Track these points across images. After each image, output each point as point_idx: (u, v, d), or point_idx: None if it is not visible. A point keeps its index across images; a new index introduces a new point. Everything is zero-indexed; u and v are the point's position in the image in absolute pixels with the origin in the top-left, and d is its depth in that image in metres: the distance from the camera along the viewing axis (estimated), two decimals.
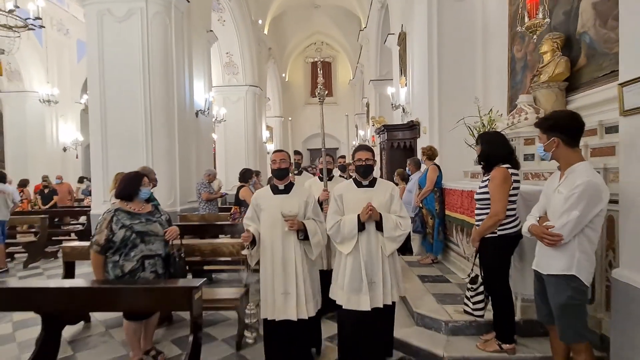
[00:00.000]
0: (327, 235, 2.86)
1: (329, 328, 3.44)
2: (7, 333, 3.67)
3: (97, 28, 6.55)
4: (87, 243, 3.80)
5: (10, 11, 4.48)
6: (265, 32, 15.07)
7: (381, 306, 2.65)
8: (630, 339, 2.09)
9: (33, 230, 7.56)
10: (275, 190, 2.88)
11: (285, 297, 2.71)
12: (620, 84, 2.10)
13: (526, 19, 3.08)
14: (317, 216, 2.87)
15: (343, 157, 5.52)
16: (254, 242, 2.72)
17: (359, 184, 2.81)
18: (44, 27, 5.05)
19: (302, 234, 2.73)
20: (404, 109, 8.09)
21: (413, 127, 7.23)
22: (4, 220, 6.20)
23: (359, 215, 2.63)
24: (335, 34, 19.99)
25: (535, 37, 3.33)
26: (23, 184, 9.48)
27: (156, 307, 2.81)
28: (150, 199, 3.30)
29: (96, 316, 3.90)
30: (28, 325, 3.78)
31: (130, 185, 2.86)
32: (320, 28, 19.92)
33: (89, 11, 6.59)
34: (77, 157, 14.43)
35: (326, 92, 3.71)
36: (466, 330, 3.11)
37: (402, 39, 8.11)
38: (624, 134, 2.13)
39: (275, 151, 2.99)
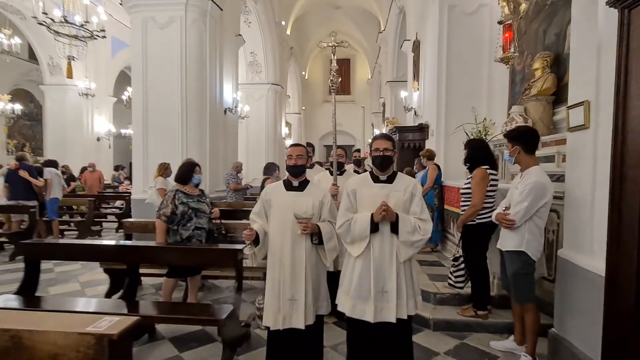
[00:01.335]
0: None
1: (333, 334, 3.31)
2: (77, 290, 4.54)
3: (141, 33, 7.36)
4: (142, 219, 4.64)
5: (82, 25, 5.31)
6: (288, 32, 15.78)
7: (394, 320, 2.29)
8: (568, 304, 2.74)
9: (77, 212, 8.53)
10: (289, 187, 2.63)
11: (292, 304, 2.46)
12: (567, 107, 2.73)
13: (501, 52, 3.69)
14: (333, 218, 2.58)
15: (358, 150, 6.05)
16: (257, 240, 2.51)
17: (375, 179, 2.46)
18: (105, 37, 5.84)
19: (317, 238, 2.49)
20: (415, 112, 8.70)
21: (423, 129, 7.84)
22: (58, 198, 7.10)
23: (372, 214, 2.30)
24: (355, 34, 20.57)
25: (508, 67, 3.91)
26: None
27: (211, 263, 3.56)
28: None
29: (146, 281, 4.68)
30: (92, 285, 4.64)
31: (187, 172, 3.63)
32: (340, 28, 20.51)
33: (134, 18, 7.41)
34: (109, 147, 15.51)
35: (340, 79, 3.58)
36: (450, 302, 3.79)
37: (417, 46, 8.70)
38: (569, 146, 2.77)
39: (292, 145, 2.76)
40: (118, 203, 10.07)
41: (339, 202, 2.59)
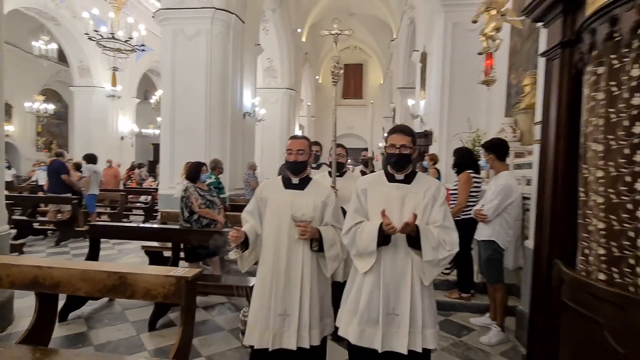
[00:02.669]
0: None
1: (336, 354, 2.96)
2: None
3: (171, 43, 8.13)
4: (174, 210, 5.35)
5: (126, 41, 6.08)
6: (304, 39, 16.50)
7: (404, 351, 1.91)
8: (529, 284, 3.33)
9: (106, 205, 9.36)
10: (287, 184, 2.33)
11: (284, 320, 2.13)
12: (534, 123, 3.34)
13: (483, 76, 4.29)
14: (337, 222, 2.29)
15: (365, 149, 6.26)
16: (247, 243, 2.20)
17: (390, 177, 2.11)
18: (144, 50, 6.60)
19: (317, 244, 2.19)
20: (421, 119, 9.30)
21: (427, 136, 8.44)
22: (96, 194, 7.91)
23: (382, 223, 1.92)
24: (368, 40, 21.23)
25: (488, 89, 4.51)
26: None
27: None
28: (215, 183, 4.87)
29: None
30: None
31: (195, 171, 4.34)
32: (355, 34, 21.20)
33: (165, 30, 8.18)
34: (132, 145, 16.42)
35: (342, 70, 3.29)
36: (440, 287, 4.39)
37: (424, 57, 9.30)
38: (534, 154, 3.37)
39: (292, 138, 2.40)
40: (142, 198, 10.90)
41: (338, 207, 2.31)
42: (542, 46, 2.61)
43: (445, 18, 7.47)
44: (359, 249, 2.02)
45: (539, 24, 2.19)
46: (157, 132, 19.14)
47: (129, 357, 1.98)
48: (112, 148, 15.10)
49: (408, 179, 2.09)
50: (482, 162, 3.52)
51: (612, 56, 1.52)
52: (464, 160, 4.01)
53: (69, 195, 7.34)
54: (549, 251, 2.00)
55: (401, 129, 2.11)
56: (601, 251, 1.58)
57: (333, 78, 3.17)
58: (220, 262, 4.90)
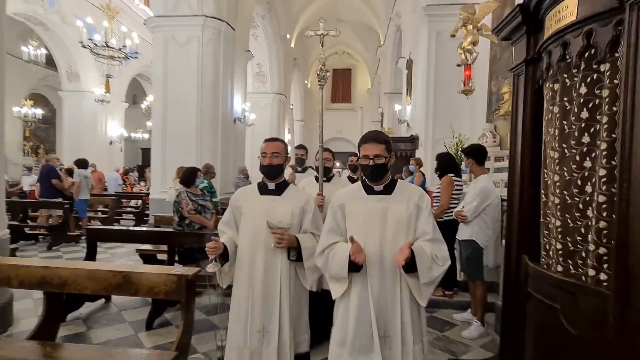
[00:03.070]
0: None
1: None
2: None
3: (162, 50, 8.26)
4: (167, 214, 5.49)
5: (120, 49, 6.22)
6: (292, 45, 16.73)
7: None
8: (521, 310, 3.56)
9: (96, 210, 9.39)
10: (263, 190, 2.19)
11: (263, 337, 2.02)
12: (509, 130, 3.58)
13: (462, 86, 4.56)
14: (317, 230, 2.16)
15: (355, 154, 6.20)
16: (226, 255, 2.08)
17: (369, 189, 1.97)
18: (137, 57, 6.73)
19: (295, 254, 2.06)
20: (408, 124, 9.57)
21: (413, 140, 8.71)
22: (87, 199, 7.96)
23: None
24: (356, 45, 21.58)
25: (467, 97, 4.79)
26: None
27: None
28: (207, 188, 5.01)
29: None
30: None
31: (190, 176, 4.48)
32: (343, 39, 21.53)
33: (157, 37, 8.30)
34: (121, 150, 16.39)
35: (328, 73, 3.14)
36: None
37: (410, 64, 9.59)
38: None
39: (267, 140, 2.24)
40: (133, 202, 10.96)
41: (325, 214, 2.14)
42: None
43: (429, 27, 7.76)
44: (331, 274, 1.89)
45: (507, 43, 2.42)
46: (146, 136, 19.14)
47: (133, 350, 2.13)
48: (102, 152, 15.05)
49: (388, 190, 1.95)
50: (462, 166, 3.75)
51: (565, 75, 1.75)
52: (446, 165, 4.24)
53: (60, 200, 7.39)
54: (517, 248, 2.21)
55: (373, 137, 1.93)
56: (559, 246, 1.79)
57: (319, 81, 3.07)
58: None
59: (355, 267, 1.80)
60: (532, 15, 1.99)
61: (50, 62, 15.36)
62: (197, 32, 8.19)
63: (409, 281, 1.83)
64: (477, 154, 3.64)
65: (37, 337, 2.28)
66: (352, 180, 4.90)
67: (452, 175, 4.17)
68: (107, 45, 6.46)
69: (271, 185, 2.18)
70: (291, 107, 19.09)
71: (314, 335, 2.25)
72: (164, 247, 4.60)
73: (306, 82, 22.57)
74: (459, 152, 5.85)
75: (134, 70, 16.13)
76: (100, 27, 7.06)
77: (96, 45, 6.53)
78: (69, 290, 2.28)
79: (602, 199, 1.54)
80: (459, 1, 7.18)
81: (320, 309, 2.30)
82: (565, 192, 1.74)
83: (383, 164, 1.89)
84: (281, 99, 15.21)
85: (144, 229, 4.80)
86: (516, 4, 2.09)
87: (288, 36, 15.74)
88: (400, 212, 1.88)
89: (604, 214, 1.54)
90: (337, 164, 15.24)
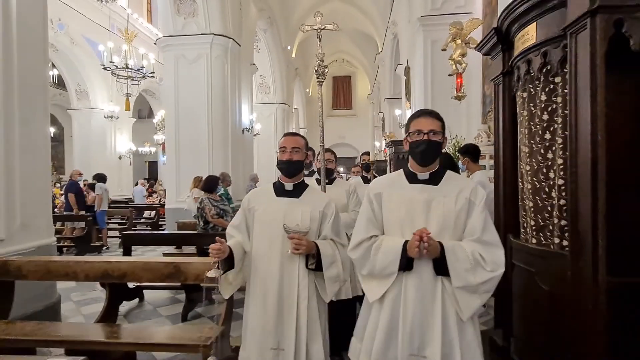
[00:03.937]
0: (350, 264, 1.93)
1: None
2: None
3: (173, 67, 8.76)
4: (188, 220, 5.93)
5: (138, 69, 6.72)
6: (293, 55, 17.29)
7: None
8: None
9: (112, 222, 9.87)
10: (280, 191, 1.98)
11: (277, 355, 1.82)
12: None
13: (454, 92, 5.00)
14: (337, 236, 1.97)
15: (367, 153, 5.86)
16: (232, 261, 1.83)
17: (412, 178, 1.71)
18: (154, 77, 7.24)
19: (313, 262, 1.86)
20: None
21: None
22: (105, 210, 8.43)
23: (406, 242, 1.55)
24: (355, 53, 22.16)
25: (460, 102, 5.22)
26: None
27: None
28: (224, 194, 5.47)
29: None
30: None
31: (213, 184, 4.93)
32: (342, 47, 22.15)
33: (167, 55, 8.82)
34: (130, 164, 16.91)
35: (327, 69, 2.97)
36: None
37: (408, 71, 10.05)
38: None
39: (286, 135, 2.04)
40: (147, 214, 11.44)
41: None
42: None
43: (425, 36, 8.22)
44: (373, 270, 1.60)
45: (488, 57, 2.87)
46: (152, 149, 19.70)
47: (186, 324, 2.55)
48: (111, 167, 15.49)
49: (435, 179, 1.67)
50: (460, 163, 4.18)
51: (530, 86, 2.19)
52: (445, 164, 4.66)
53: (84, 212, 7.88)
54: (504, 228, 2.63)
55: (429, 112, 1.70)
56: (532, 223, 2.22)
57: (318, 77, 2.90)
58: None
59: (408, 263, 1.54)
60: (504, 36, 2.44)
61: (57, 82, 15.97)
62: (205, 49, 8.69)
63: (446, 285, 1.53)
64: (472, 152, 4.07)
65: (103, 321, 2.71)
66: (365, 180, 4.98)
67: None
68: (127, 67, 6.98)
69: (288, 186, 1.96)
70: (297, 109, 19.62)
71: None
72: (187, 250, 5.07)
73: (307, 90, 23.13)
74: (456, 152, 6.27)
75: (141, 86, 16.70)
76: (108, 49, 7.60)
77: (117, 67, 7.06)
78: (128, 281, 2.72)
79: (561, 182, 1.98)
80: (452, 12, 7.68)
81: (333, 317, 2.08)
82: (534, 178, 2.17)
83: (438, 142, 1.62)
84: (284, 108, 15.74)
85: (174, 232, 5.24)
86: (492, 27, 2.54)
87: (289, 47, 16.30)
88: (448, 205, 1.59)
89: (563, 194, 1.96)
90: (341, 169, 15.68)
